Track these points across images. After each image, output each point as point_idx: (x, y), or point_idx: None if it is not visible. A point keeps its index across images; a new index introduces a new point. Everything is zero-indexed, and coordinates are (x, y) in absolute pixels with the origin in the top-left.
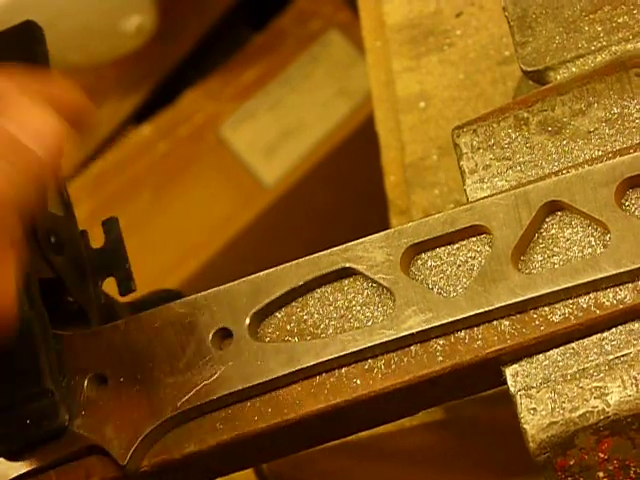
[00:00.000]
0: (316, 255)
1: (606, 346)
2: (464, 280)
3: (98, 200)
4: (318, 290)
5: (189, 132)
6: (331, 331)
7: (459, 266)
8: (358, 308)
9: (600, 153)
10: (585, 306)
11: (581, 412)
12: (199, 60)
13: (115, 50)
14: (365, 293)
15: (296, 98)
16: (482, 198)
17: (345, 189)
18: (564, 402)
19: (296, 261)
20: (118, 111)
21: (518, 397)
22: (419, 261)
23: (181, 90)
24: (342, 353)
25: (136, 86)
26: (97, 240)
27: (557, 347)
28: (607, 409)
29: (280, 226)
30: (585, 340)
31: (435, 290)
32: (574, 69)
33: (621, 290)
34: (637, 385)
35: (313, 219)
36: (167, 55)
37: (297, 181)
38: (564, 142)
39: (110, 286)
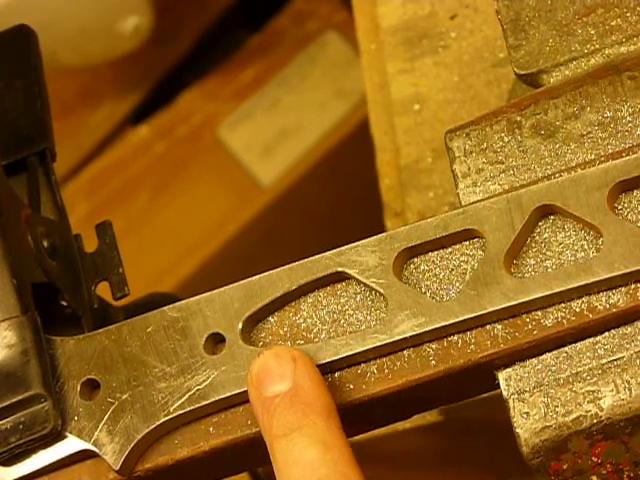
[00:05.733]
0: (309, 259)
1: (599, 350)
2: (457, 284)
3: (96, 201)
4: (311, 295)
5: (186, 133)
6: (324, 335)
7: (452, 270)
8: (351, 312)
9: (593, 157)
10: (578, 310)
11: (574, 416)
12: (196, 61)
13: (112, 51)
14: (358, 297)
15: (293, 99)
16: (475, 202)
17: (342, 190)
18: (557, 406)
19: (289, 265)
20: (115, 112)
21: (511, 401)
22: (412, 265)
23: (178, 91)
24: (335, 357)
25: (133, 87)
26: (93, 241)
27: (550, 351)
28: (600, 413)
29: (277, 226)
30: (578, 344)
31: (428, 294)
32: (567, 72)
33: (614, 294)
34: (630, 389)
35: (309, 220)
36: (164, 56)
37: (294, 182)
38: (557, 146)
39: (104, 290)
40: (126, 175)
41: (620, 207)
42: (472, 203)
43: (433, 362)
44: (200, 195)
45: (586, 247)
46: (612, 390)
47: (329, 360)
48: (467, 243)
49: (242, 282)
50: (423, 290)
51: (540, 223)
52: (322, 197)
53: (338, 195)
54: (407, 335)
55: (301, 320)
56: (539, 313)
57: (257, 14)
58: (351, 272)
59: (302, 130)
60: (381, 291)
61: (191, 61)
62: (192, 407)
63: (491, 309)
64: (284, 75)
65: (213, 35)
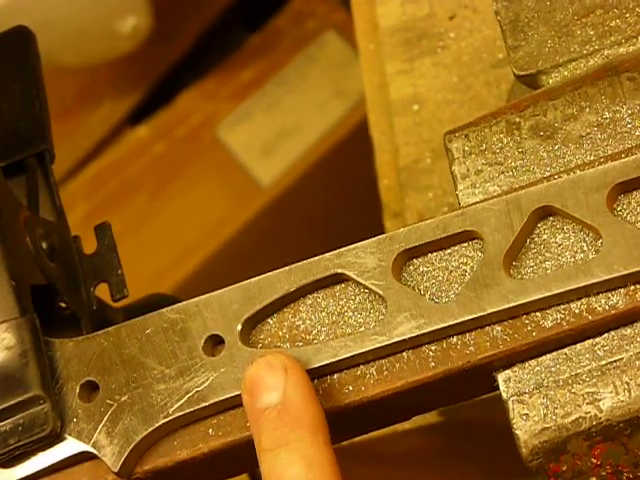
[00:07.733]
0: (308, 261)
1: (598, 351)
2: (456, 286)
3: (95, 201)
4: (310, 296)
5: (185, 133)
6: (323, 337)
7: (451, 272)
8: (350, 314)
9: (592, 158)
10: (577, 311)
11: (573, 418)
12: (195, 61)
13: (111, 51)
14: (357, 299)
15: (292, 99)
16: (474, 203)
17: (341, 190)
18: (556, 408)
19: (288, 267)
20: (114, 112)
21: (510, 403)
22: (411, 267)
23: (177, 91)
24: (334, 359)
25: (132, 87)
26: (93, 242)
27: (549, 353)
28: (599, 415)
29: (276, 227)
30: (577, 345)
31: (427, 296)
32: (566, 73)
33: (613, 295)
34: (629, 391)
35: (309, 220)
36: (163, 56)
37: (293, 182)
38: (556, 147)
39: (103, 291)
40: (125, 176)
41: (619, 208)
42: (471, 204)
43: (432, 364)
44: (199, 195)
45: (585, 248)
46: (611, 392)
47: (328, 362)
48: (466, 244)
49: (241, 284)
50: (422, 292)
51: (539, 224)
52: (321, 197)
53: (337, 195)
54: (406, 337)
55: (300, 322)
56: (538, 314)
57: (256, 14)
58: (350, 274)
59: (301, 130)
60: (380, 293)
61: (190, 61)
62: (191, 409)
63: (490, 311)
64: (283, 75)
65: (212, 35)
